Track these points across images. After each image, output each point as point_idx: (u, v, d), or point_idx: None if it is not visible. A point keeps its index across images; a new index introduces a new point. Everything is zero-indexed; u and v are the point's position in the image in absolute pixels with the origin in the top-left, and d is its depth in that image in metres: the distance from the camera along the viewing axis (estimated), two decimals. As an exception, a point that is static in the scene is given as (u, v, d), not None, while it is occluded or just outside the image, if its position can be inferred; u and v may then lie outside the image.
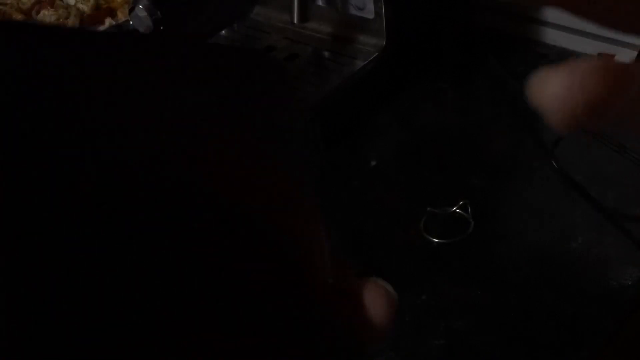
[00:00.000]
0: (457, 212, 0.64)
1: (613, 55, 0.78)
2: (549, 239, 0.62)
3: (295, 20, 0.76)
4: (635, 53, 0.78)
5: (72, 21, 0.83)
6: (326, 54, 0.79)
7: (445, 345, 0.54)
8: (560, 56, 0.83)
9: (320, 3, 0.79)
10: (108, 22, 0.84)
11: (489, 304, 0.57)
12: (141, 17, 0.69)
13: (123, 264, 0.23)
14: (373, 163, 0.72)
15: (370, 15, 0.76)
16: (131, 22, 0.70)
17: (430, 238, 0.62)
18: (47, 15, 0.84)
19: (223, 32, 0.84)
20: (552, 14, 0.83)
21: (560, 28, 0.83)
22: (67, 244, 0.22)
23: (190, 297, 0.24)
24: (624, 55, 0.78)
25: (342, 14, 0.79)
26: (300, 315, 0.27)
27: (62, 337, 0.22)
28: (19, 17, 0.85)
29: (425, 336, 0.55)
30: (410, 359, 0.54)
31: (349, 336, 0.28)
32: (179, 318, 0.23)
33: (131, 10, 0.69)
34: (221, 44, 0.31)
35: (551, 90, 0.19)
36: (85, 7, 0.85)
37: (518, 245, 0.61)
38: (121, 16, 0.85)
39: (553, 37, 0.84)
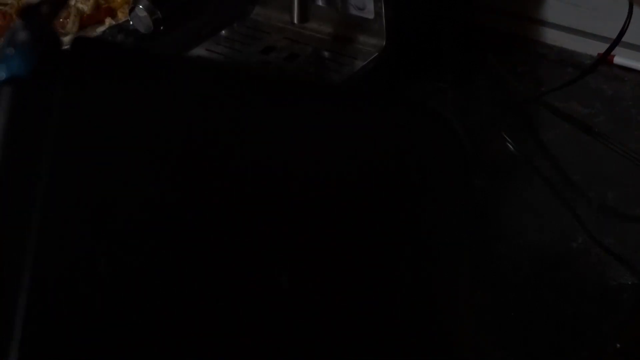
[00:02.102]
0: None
1: None
2: (549, 239, 0.62)
3: (295, 21, 0.76)
4: (635, 53, 0.78)
5: (72, 21, 0.83)
6: (326, 54, 0.79)
7: (445, 345, 0.54)
8: (560, 56, 0.83)
9: (320, 3, 0.79)
10: (108, 22, 0.84)
11: (489, 304, 0.57)
12: (141, 17, 0.69)
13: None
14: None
15: (370, 16, 0.76)
16: (131, 22, 0.70)
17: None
18: (47, 15, 0.84)
19: (223, 32, 0.84)
20: (552, 14, 0.83)
21: (560, 28, 0.83)
22: None
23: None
24: (624, 55, 0.78)
25: (342, 14, 0.79)
26: None
27: None
28: (19, 17, 0.84)
29: (425, 336, 0.55)
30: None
31: None
32: None
33: (131, 10, 0.69)
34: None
35: None
36: (85, 7, 0.85)
37: (518, 245, 0.61)
38: (121, 16, 0.85)
39: (553, 37, 0.84)
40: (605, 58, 0.74)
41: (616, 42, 0.70)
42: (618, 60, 0.79)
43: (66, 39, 0.82)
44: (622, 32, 0.70)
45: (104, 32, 0.79)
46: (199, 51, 0.80)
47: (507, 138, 0.72)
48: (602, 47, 0.73)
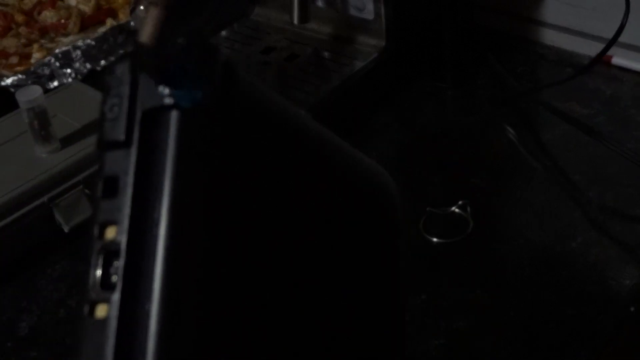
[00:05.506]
0: (457, 212, 0.64)
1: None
2: (549, 239, 0.62)
3: (295, 21, 0.77)
4: (633, 53, 0.79)
5: (73, 21, 0.83)
6: (326, 54, 0.79)
7: (445, 345, 0.54)
8: (560, 56, 0.83)
9: (320, 4, 0.79)
10: (109, 22, 0.84)
11: (489, 304, 0.57)
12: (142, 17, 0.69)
13: None
14: (373, 163, 0.72)
15: (370, 16, 0.76)
16: (132, 23, 0.70)
17: (430, 238, 0.63)
18: (48, 16, 0.84)
19: (223, 32, 0.84)
20: (552, 15, 0.84)
21: (560, 28, 0.83)
22: None
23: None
24: (622, 56, 0.78)
25: (342, 15, 0.79)
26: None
27: None
28: (20, 18, 0.85)
29: (425, 336, 0.55)
30: (411, 358, 0.54)
31: None
32: None
33: (132, 10, 0.69)
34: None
35: None
36: (86, 8, 0.86)
37: (518, 245, 0.62)
38: (122, 17, 0.85)
39: (552, 38, 0.84)
40: (601, 57, 0.74)
41: (612, 41, 0.70)
42: (616, 60, 0.79)
43: (67, 40, 0.82)
44: (619, 32, 0.70)
45: (104, 32, 0.79)
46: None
47: (509, 129, 0.72)
48: (600, 48, 0.73)
